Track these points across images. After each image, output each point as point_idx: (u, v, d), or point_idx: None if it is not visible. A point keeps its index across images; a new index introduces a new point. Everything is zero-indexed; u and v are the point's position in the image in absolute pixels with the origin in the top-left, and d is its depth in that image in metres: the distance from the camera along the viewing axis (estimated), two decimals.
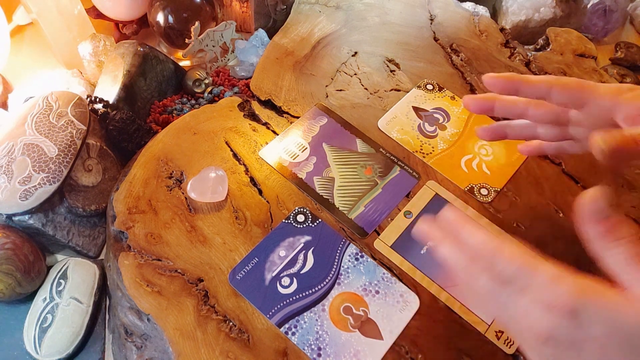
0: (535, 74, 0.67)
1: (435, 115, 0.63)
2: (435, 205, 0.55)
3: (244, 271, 0.49)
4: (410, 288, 0.49)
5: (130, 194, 0.53)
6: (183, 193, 0.54)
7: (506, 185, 0.57)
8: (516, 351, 0.46)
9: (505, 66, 0.68)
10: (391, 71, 0.67)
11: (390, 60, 0.68)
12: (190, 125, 0.59)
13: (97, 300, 0.51)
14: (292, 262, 0.49)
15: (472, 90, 0.66)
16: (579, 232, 0.31)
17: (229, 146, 0.58)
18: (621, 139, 0.32)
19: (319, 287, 0.48)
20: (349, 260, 0.50)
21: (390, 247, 0.51)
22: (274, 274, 0.49)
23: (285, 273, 0.49)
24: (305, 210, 0.53)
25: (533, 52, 0.71)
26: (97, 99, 0.58)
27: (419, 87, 0.65)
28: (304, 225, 0.52)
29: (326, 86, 0.65)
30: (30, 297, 0.51)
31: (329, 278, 0.49)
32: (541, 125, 0.46)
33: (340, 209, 0.54)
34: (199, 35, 0.68)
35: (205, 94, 0.68)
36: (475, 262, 0.32)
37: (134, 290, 0.47)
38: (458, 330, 0.47)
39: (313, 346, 0.45)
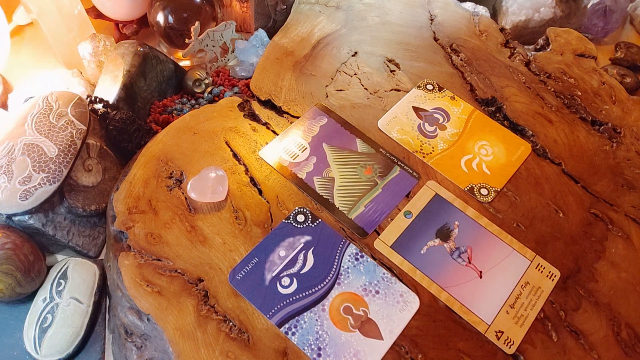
0: (536, 75, 0.68)
1: (435, 115, 0.63)
2: (436, 205, 0.55)
3: (244, 271, 0.49)
4: (410, 288, 0.49)
5: (130, 194, 0.53)
6: (183, 193, 0.54)
7: (506, 185, 0.57)
8: (516, 351, 0.46)
9: (505, 66, 0.68)
10: (391, 71, 0.67)
11: (390, 60, 0.68)
12: (190, 125, 0.59)
13: (97, 300, 0.51)
14: (292, 262, 0.49)
15: (472, 90, 0.66)
16: None
17: (229, 146, 0.58)
18: None
19: (319, 287, 0.48)
20: (349, 260, 0.50)
21: (390, 247, 0.51)
22: (274, 274, 0.49)
23: (285, 273, 0.49)
24: (305, 210, 0.53)
25: (533, 52, 0.71)
26: (97, 99, 0.58)
27: (419, 87, 0.65)
28: (304, 225, 0.52)
29: (326, 86, 0.65)
30: (30, 297, 0.51)
31: (329, 278, 0.49)
32: None
33: (340, 209, 0.54)
34: (199, 35, 0.68)
35: (205, 94, 0.68)
36: None
37: (134, 290, 0.47)
38: (458, 330, 0.47)
39: (313, 346, 0.45)
